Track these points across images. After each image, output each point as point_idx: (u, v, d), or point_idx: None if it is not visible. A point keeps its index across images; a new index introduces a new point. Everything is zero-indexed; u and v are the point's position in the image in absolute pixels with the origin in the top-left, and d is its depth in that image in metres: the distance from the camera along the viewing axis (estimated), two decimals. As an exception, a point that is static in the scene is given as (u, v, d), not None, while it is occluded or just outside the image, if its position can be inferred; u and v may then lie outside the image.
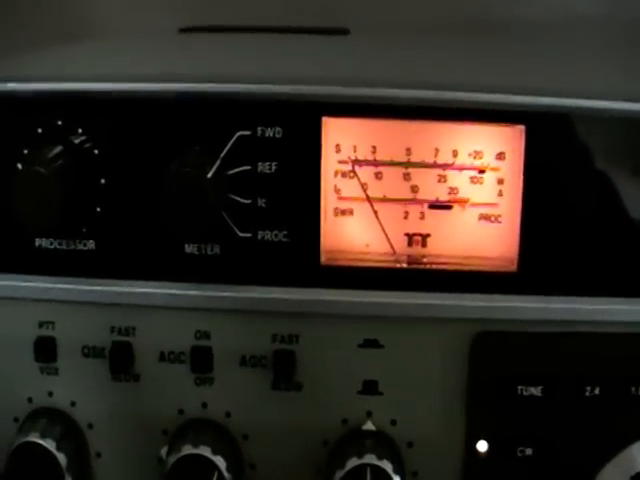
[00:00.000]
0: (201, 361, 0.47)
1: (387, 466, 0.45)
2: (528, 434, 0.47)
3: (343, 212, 0.46)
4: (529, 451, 0.47)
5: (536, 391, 0.47)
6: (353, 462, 0.45)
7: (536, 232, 0.45)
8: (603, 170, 0.45)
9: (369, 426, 0.47)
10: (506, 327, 0.46)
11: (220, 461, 0.46)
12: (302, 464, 0.48)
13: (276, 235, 0.46)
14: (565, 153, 0.45)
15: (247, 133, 0.45)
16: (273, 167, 0.45)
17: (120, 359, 0.47)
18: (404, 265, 0.47)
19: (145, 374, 0.47)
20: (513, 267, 0.46)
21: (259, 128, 0.45)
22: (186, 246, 0.46)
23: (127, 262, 0.47)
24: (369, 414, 0.47)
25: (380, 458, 0.45)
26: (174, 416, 0.48)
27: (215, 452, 0.46)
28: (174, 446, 0.47)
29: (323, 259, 0.46)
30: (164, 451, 0.48)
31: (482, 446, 0.47)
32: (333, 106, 0.45)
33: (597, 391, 0.47)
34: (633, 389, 0.47)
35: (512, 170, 0.45)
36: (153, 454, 0.48)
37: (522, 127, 0.45)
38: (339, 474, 0.46)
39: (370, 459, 0.45)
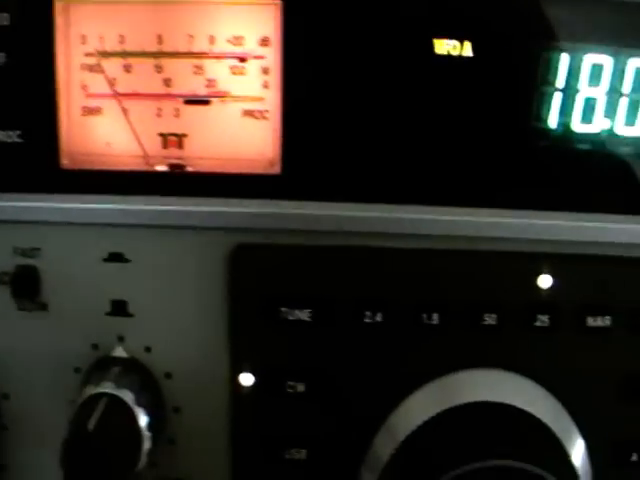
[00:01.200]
0: None
1: (127, 396, 0.40)
2: (300, 366, 0.41)
3: (91, 111, 0.41)
4: (301, 387, 0.41)
5: (303, 315, 0.40)
6: (89, 390, 0.40)
7: (300, 129, 0.39)
8: (375, 55, 0.38)
9: (120, 352, 0.42)
10: (268, 239, 0.40)
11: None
12: (55, 393, 0.42)
13: (9, 136, 0.41)
14: (330, 36, 0.38)
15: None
16: (2, 59, 0.41)
17: None
18: (157, 168, 0.41)
19: None
20: (276, 169, 0.41)
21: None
22: None
23: None
24: (121, 339, 0.42)
25: (119, 387, 0.40)
26: None
27: None
28: None
29: (64, 162, 0.41)
30: None
31: (246, 379, 0.41)
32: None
33: (379, 317, 0.40)
34: (425, 316, 0.41)
35: (278, 58, 0.39)
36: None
37: (279, 4, 0.40)
38: (77, 404, 0.40)
39: (107, 387, 0.40)
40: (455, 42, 0.39)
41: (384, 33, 0.39)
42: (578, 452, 0.42)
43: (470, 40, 0.39)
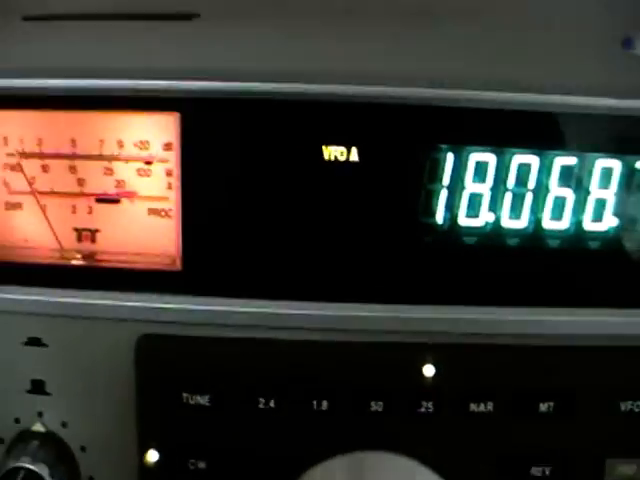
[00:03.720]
0: None
1: (43, 470, 0.44)
2: (200, 446, 0.44)
3: (13, 206, 0.44)
4: (202, 464, 0.44)
5: (203, 400, 0.44)
6: (10, 464, 0.44)
7: (198, 228, 0.42)
8: (268, 160, 0.41)
9: (38, 427, 0.45)
10: (170, 330, 0.43)
11: None
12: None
13: None
14: (224, 142, 0.42)
15: None
16: None
17: None
18: (72, 262, 0.44)
19: None
20: (177, 266, 0.44)
21: None
22: None
23: None
24: (40, 414, 0.45)
25: (36, 461, 0.44)
26: None
27: None
28: None
29: (-9, 254, 0.46)
30: None
31: (152, 456, 0.44)
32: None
33: (272, 403, 0.43)
34: (315, 403, 0.43)
35: (178, 161, 0.42)
36: None
37: (177, 114, 0.42)
38: None
39: (24, 462, 0.44)
40: (342, 148, 0.43)
41: (275, 141, 0.42)
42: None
43: (356, 146, 0.43)
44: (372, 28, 0.51)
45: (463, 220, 0.43)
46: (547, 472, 0.45)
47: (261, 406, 0.43)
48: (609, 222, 0.44)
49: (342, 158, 0.42)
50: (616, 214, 0.43)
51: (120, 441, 0.45)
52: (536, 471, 0.45)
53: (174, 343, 0.43)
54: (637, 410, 0.45)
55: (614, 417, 0.44)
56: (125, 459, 0.45)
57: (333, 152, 0.42)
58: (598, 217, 0.43)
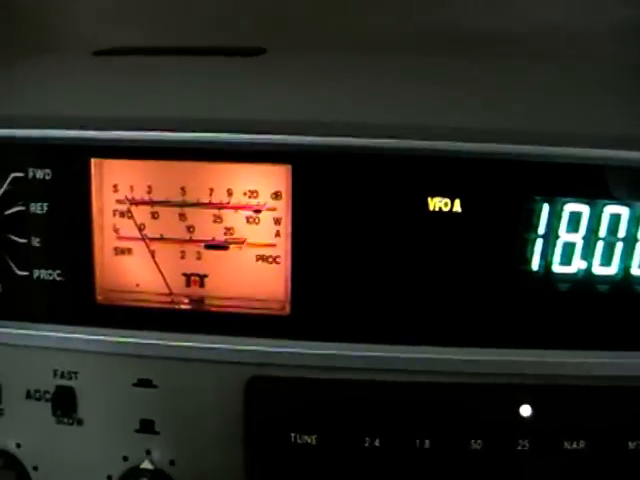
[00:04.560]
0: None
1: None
2: (306, 484, 0.47)
3: (122, 251, 0.46)
4: (309, 503, 0.47)
5: (310, 439, 0.46)
6: (122, 501, 0.46)
7: (307, 275, 0.44)
8: (375, 211, 0.43)
9: (147, 465, 0.47)
10: (279, 372, 0.45)
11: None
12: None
13: (50, 274, 0.46)
14: (334, 194, 0.43)
15: (20, 175, 0.45)
16: (45, 207, 0.45)
17: None
18: (181, 306, 0.46)
19: None
20: (286, 310, 0.45)
21: (30, 169, 0.45)
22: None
23: None
24: (148, 452, 0.47)
25: (146, 499, 0.46)
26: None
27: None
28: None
29: (99, 298, 0.46)
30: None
31: (260, 494, 0.47)
32: (101, 149, 0.44)
33: (377, 442, 0.45)
34: (417, 442, 0.45)
35: (288, 210, 0.45)
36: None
37: (289, 166, 0.44)
38: None
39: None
40: (446, 199, 0.45)
41: (383, 193, 0.44)
42: None
43: (459, 197, 0.45)
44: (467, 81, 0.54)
45: (557, 267, 0.45)
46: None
47: (366, 445, 0.45)
48: None
49: (446, 209, 0.45)
50: None
51: None
52: (627, 506, 0.47)
53: (283, 385, 0.45)
54: None
55: None
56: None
57: (437, 203, 0.45)
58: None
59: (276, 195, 0.45)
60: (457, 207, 0.44)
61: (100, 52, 0.68)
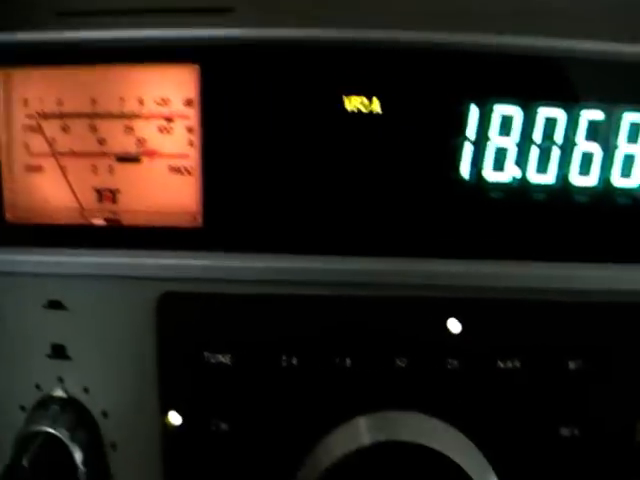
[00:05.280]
0: None
1: (63, 434, 0.43)
2: (222, 407, 0.43)
3: (34, 169, 0.44)
4: (224, 425, 0.43)
5: (225, 359, 0.43)
6: (28, 429, 0.44)
7: (220, 185, 0.42)
8: (288, 111, 0.41)
9: (59, 392, 0.45)
10: (192, 287, 0.42)
11: None
12: (3, 430, 0.45)
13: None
14: (245, 94, 0.41)
15: None
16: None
17: None
18: (94, 222, 0.44)
19: None
20: (198, 222, 0.43)
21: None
22: None
23: None
24: (60, 380, 0.45)
25: (56, 425, 0.43)
26: None
27: None
28: None
29: (8, 216, 0.44)
30: None
31: (174, 418, 0.43)
32: (5, 54, 0.42)
33: (294, 361, 0.43)
34: (337, 360, 0.43)
35: (200, 117, 0.42)
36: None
37: (197, 67, 0.41)
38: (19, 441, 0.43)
39: (43, 426, 0.43)
40: (364, 98, 0.43)
41: (295, 91, 0.41)
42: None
43: (378, 96, 0.42)
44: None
45: (489, 174, 0.43)
46: (576, 432, 0.44)
47: (283, 364, 0.42)
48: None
49: (365, 110, 0.42)
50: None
51: (143, 405, 0.44)
52: (565, 431, 0.43)
53: (195, 300, 0.42)
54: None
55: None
56: (148, 423, 0.44)
57: (355, 103, 0.42)
58: (627, 173, 0.43)
59: (188, 103, 0.43)
60: (377, 108, 0.42)
61: (64, 13, 0.67)
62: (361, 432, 0.42)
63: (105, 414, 0.44)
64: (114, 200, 0.44)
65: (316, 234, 0.42)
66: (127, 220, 0.44)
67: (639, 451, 0.44)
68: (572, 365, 0.43)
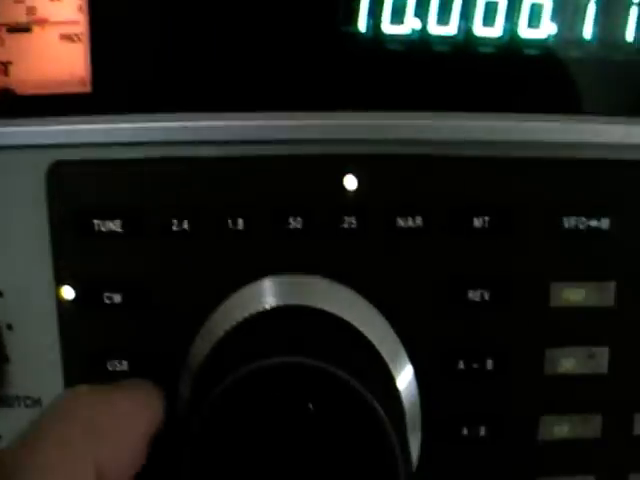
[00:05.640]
0: None
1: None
2: (115, 278, 0.41)
3: None
4: (117, 298, 0.41)
5: (114, 226, 0.42)
6: None
7: (106, 47, 0.40)
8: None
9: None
10: (83, 154, 0.41)
11: None
12: None
13: None
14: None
15: None
16: None
17: None
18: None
19: None
20: (87, 88, 0.42)
21: None
22: None
23: None
24: (-51, 259, 0.45)
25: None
26: None
27: None
28: None
29: None
30: None
31: (68, 293, 0.42)
32: None
33: (185, 225, 0.41)
34: (230, 222, 0.41)
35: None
36: None
37: None
38: None
39: None
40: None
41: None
42: (399, 363, 0.42)
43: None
44: None
45: (387, 27, 0.41)
46: (486, 296, 0.42)
47: (174, 228, 0.40)
48: (547, 29, 0.41)
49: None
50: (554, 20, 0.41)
51: (38, 282, 0.42)
52: (473, 295, 0.41)
53: (85, 167, 0.41)
54: (582, 228, 0.42)
55: (556, 235, 0.41)
56: (44, 301, 0.42)
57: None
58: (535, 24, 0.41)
59: (77, -33, 0.43)
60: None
61: None
62: (263, 295, 0.41)
63: (0, 294, 0.44)
64: (6, 73, 0.44)
65: (205, 89, 0.41)
66: (20, 91, 0.43)
67: (552, 316, 0.43)
68: (477, 223, 0.41)
